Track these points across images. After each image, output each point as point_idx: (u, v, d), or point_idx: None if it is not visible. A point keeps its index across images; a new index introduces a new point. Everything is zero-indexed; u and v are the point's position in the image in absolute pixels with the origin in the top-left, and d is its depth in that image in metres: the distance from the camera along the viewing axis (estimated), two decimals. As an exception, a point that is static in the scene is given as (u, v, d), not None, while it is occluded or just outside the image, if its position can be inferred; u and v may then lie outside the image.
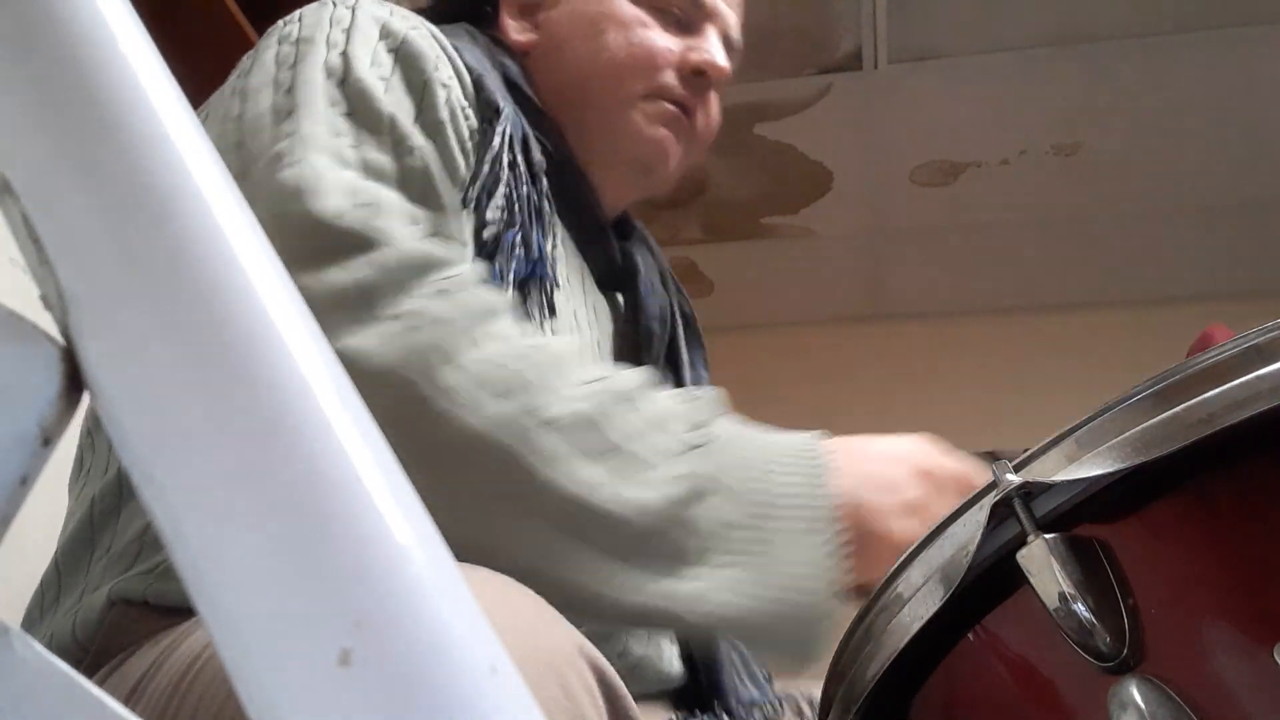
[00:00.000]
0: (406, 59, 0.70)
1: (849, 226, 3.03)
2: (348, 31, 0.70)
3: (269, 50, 0.71)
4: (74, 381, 0.23)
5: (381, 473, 0.22)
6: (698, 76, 0.85)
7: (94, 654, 0.60)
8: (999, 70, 2.51)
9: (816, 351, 3.16)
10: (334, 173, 0.61)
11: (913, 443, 0.63)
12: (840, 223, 3.01)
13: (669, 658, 0.74)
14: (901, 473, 0.60)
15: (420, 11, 0.84)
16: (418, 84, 0.69)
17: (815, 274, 3.18)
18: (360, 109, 0.66)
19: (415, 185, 0.65)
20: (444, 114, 0.69)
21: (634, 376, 0.62)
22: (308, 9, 0.74)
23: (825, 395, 2.95)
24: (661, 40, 0.85)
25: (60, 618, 0.64)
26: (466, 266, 0.62)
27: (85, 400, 0.23)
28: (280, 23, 0.74)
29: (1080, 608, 0.37)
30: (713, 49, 0.86)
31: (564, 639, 0.48)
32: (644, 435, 0.58)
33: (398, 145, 0.65)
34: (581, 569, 0.56)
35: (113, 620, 0.61)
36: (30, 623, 0.69)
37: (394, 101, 0.67)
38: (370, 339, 0.56)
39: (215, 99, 0.74)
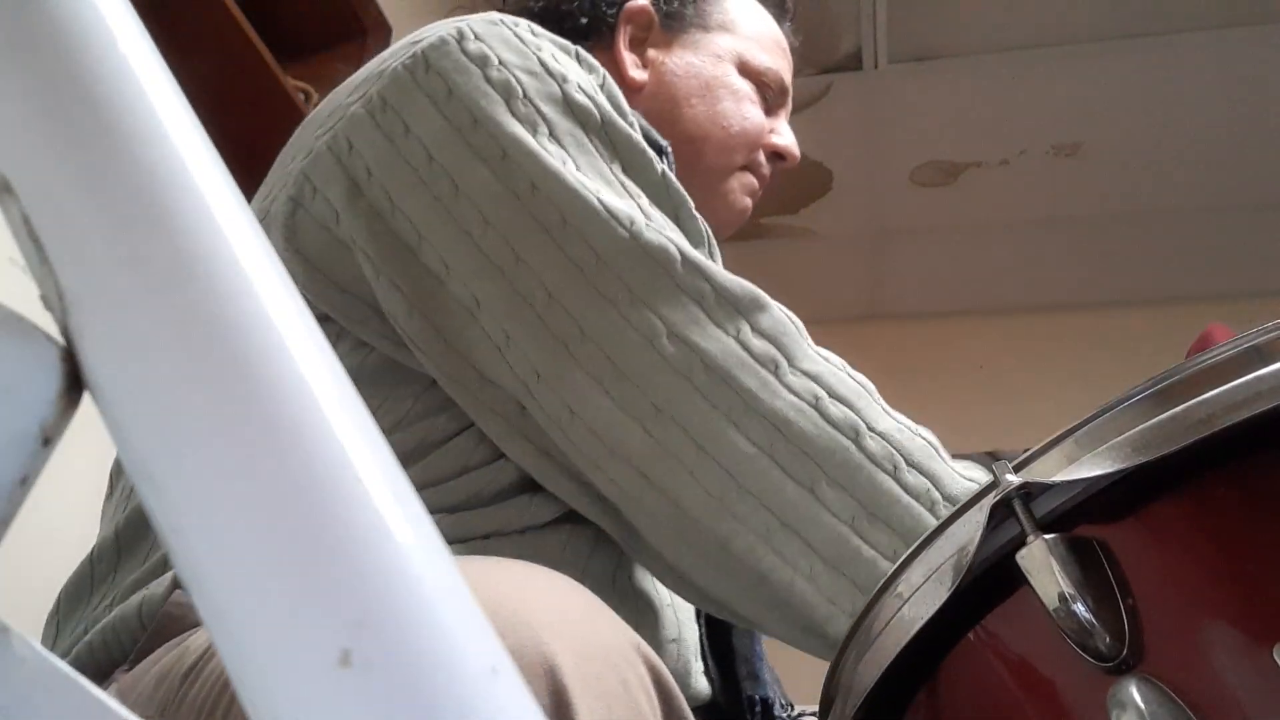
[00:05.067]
0: (613, 98, 0.72)
1: (849, 226, 3.03)
2: (556, 59, 0.70)
3: (468, 74, 0.67)
4: (74, 381, 0.22)
5: (381, 473, 0.22)
6: (776, 158, 0.95)
7: (151, 634, 0.61)
8: (999, 70, 2.51)
9: (816, 351, 3.15)
10: (677, 235, 0.66)
11: None
12: (840, 223, 3.02)
13: (696, 673, 0.74)
14: None
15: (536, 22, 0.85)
16: (631, 124, 0.71)
17: (815, 274, 3.18)
18: (632, 164, 0.69)
19: (694, 239, 0.69)
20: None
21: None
22: (478, 27, 0.70)
23: (825, 395, 2.93)
24: (761, 119, 0.93)
25: (118, 595, 0.65)
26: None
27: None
28: (448, 39, 0.69)
29: (1080, 608, 0.37)
30: (790, 135, 0.97)
31: (621, 635, 0.49)
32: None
33: (682, 210, 0.69)
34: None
35: (175, 602, 0.62)
36: (78, 593, 0.70)
37: (649, 152, 0.69)
38: (797, 396, 0.61)
39: (367, 118, 0.69)
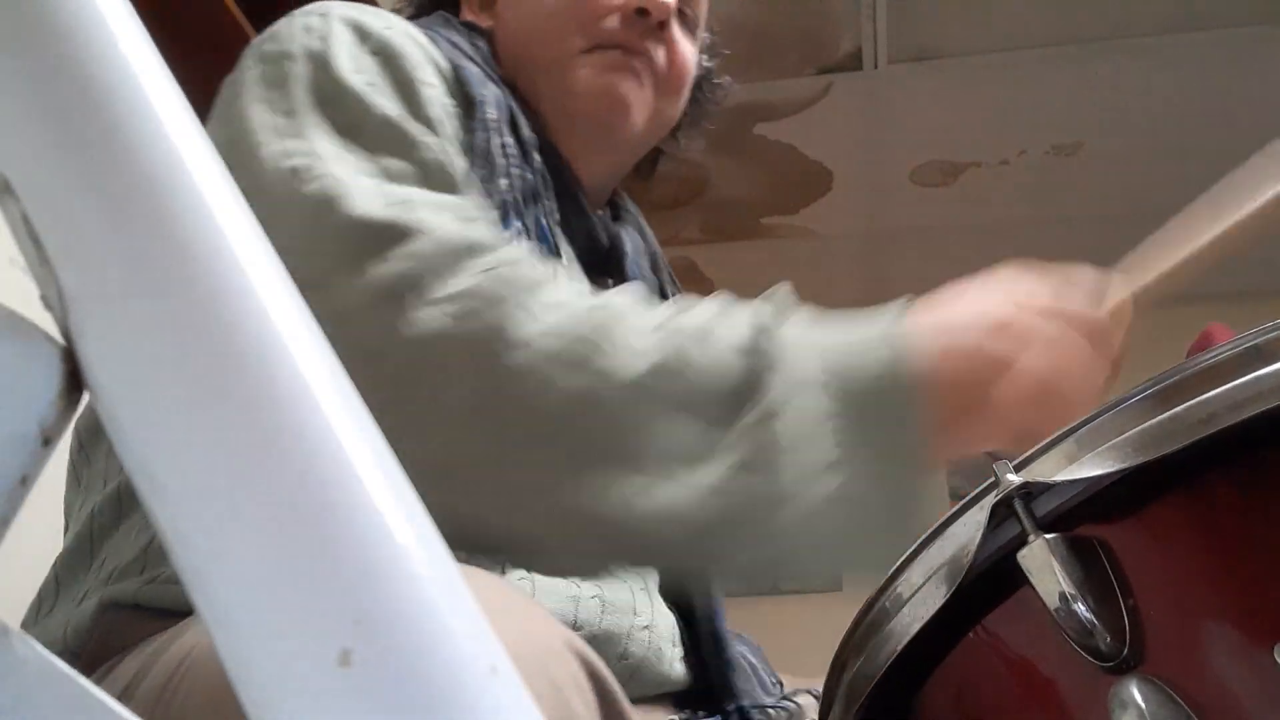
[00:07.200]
0: (389, 60, 0.70)
1: (849, 226, 3.04)
2: (324, 39, 0.69)
3: (250, 71, 0.69)
4: (74, 381, 0.22)
5: (382, 472, 0.22)
6: (642, 16, 0.82)
7: (85, 660, 0.60)
8: (999, 70, 2.51)
9: (816, 351, 3.15)
10: (357, 180, 0.61)
11: (991, 290, 0.62)
12: (840, 223, 3.02)
13: (670, 659, 0.74)
14: (980, 334, 0.59)
15: (396, 6, 0.82)
16: (403, 84, 0.69)
17: (815, 274, 3.18)
18: (359, 121, 0.65)
19: (435, 178, 0.64)
20: (435, 110, 0.69)
21: (701, 308, 0.61)
22: (280, 22, 0.72)
23: (825, 395, 2.93)
24: None
25: (52, 623, 0.64)
26: (511, 246, 0.62)
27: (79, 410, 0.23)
28: (254, 41, 0.72)
29: (1080, 608, 0.37)
30: None
31: (553, 634, 0.48)
32: (709, 377, 0.57)
33: (405, 145, 0.65)
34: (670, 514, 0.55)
35: (104, 625, 0.61)
36: (28, 624, 0.69)
37: (387, 104, 0.67)
38: (427, 325, 0.56)
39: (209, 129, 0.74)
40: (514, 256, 0.61)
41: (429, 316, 0.56)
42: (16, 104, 0.23)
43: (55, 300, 0.23)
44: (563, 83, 0.81)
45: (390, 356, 0.56)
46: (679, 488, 0.55)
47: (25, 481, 0.22)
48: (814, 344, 0.60)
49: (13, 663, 0.21)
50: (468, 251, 0.59)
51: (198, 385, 0.22)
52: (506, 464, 0.56)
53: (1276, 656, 0.34)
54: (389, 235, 0.58)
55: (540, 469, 0.56)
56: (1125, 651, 0.36)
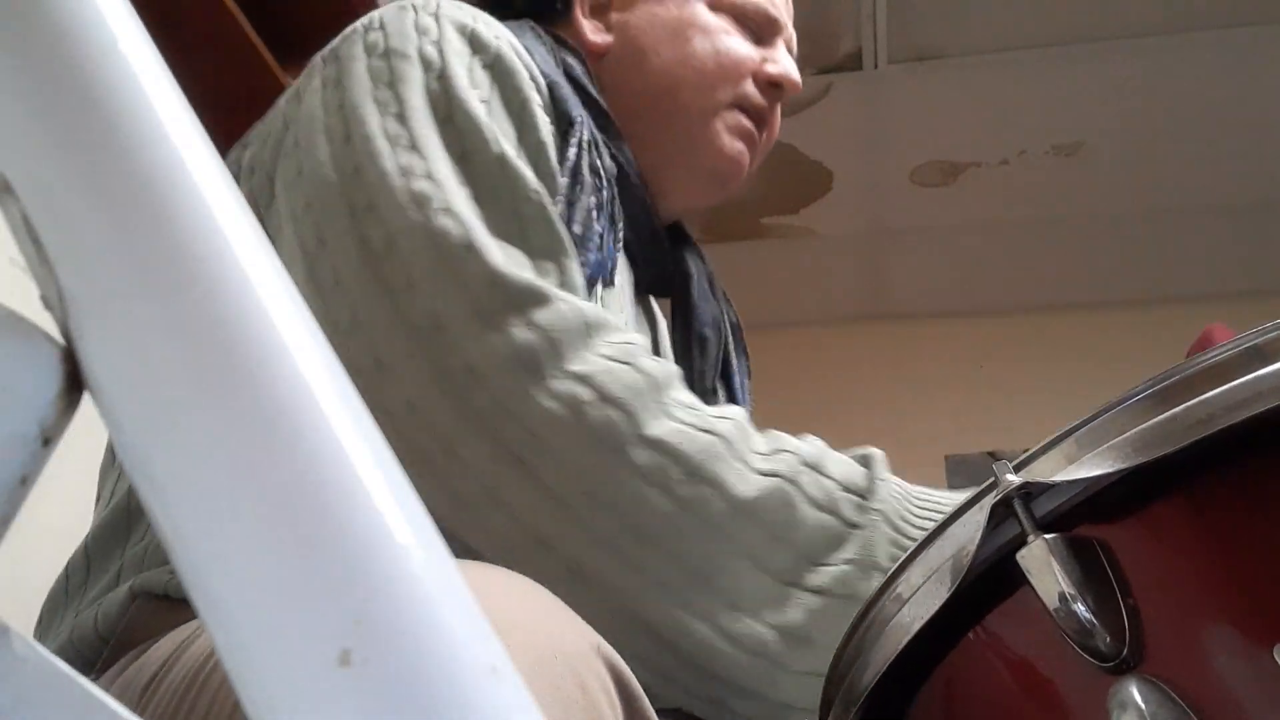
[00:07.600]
0: (503, 76, 0.70)
1: (849, 226, 3.04)
2: (439, 45, 0.69)
3: (357, 61, 0.68)
4: (74, 381, 0.22)
5: (382, 473, 0.22)
6: (774, 88, 0.88)
7: (113, 646, 0.61)
8: (999, 70, 2.51)
9: (816, 351, 3.16)
10: (479, 224, 0.62)
11: None
12: (840, 223, 3.02)
13: None
14: None
15: (483, 5, 0.83)
16: (516, 105, 0.69)
17: (815, 274, 3.18)
18: (472, 149, 0.65)
19: (540, 234, 0.65)
20: (543, 134, 0.69)
21: (803, 446, 0.63)
22: (387, 14, 0.71)
23: (825, 395, 2.95)
24: (745, 49, 0.87)
25: (84, 608, 0.65)
26: (629, 329, 0.63)
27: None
28: (359, 27, 0.71)
29: (1080, 608, 0.37)
30: (787, 62, 0.89)
31: (581, 638, 0.48)
32: (819, 511, 0.60)
33: (512, 185, 0.65)
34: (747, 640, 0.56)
35: (134, 613, 0.61)
36: (54, 607, 0.70)
37: (499, 130, 0.66)
38: (557, 401, 0.57)
39: (284, 108, 0.72)
40: (636, 340, 0.62)
41: (562, 390, 0.57)
42: (16, 104, 0.23)
43: (55, 300, 0.23)
44: (698, 131, 0.85)
45: (516, 420, 0.56)
46: (767, 617, 0.57)
47: (25, 481, 0.22)
48: (909, 494, 0.62)
49: (12, 662, 0.21)
50: (597, 327, 0.60)
51: (198, 385, 0.22)
52: (604, 553, 0.56)
53: (1276, 656, 0.34)
54: (526, 298, 0.59)
55: (636, 568, 0.56)
56: (1125, 651, 0.36)
